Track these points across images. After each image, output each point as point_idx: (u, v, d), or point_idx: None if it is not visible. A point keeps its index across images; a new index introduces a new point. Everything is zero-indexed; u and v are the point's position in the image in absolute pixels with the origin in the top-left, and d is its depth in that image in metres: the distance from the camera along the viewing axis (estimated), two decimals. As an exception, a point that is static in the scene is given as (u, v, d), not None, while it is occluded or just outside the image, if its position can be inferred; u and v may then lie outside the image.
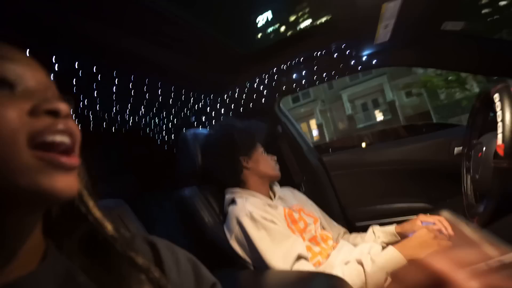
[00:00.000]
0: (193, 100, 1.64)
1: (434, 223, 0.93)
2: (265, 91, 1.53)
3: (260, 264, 0.86)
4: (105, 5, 0.80)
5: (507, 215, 0.61)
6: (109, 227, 0.34)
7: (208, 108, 1.68)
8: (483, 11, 9.59)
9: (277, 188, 1.18)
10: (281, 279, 0.78)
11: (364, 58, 1.30)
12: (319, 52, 1.29)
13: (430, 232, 0.83)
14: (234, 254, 0.93)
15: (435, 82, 12.51)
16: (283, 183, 1.25)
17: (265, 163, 1.11)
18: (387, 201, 1.36)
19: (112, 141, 1.88)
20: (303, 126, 18.93)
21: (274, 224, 0.90)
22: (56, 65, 0.94)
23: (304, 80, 1.45)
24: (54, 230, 0.33)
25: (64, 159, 0.27)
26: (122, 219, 0.69)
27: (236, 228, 0.93)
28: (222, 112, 1.69)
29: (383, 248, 0.90)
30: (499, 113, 0.66)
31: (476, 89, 11.26)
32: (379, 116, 17.41)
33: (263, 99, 1.55)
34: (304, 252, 0.86)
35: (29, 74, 0.30)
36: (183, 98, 1.58)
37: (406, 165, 1.35)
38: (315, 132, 18.77)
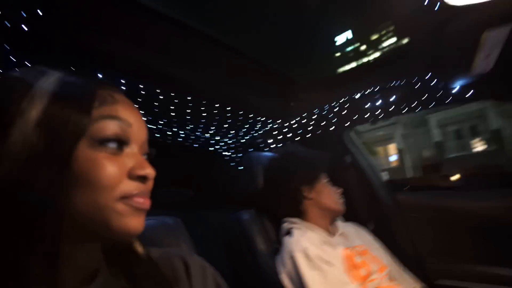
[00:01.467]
0: (261, 123, 1.69)
1: None
2: (335, 119, 1.47)
3: None
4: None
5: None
6: (139, 249, 0.38)
7: (276, 132, 1.70)
8: None
9: (339, 223, 1.10)
10: None
11: (455, 90, 1.12)
12: (397, 82, 1.18)
13: None
14: (283, 288, 0.88)
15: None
16: (348, 219, 1.16)
17: (329, 195, 1.04)
18: (481, 262, 1.10)
19: (179, 154, 2.07)
20: (380, 151, 17.40)
21: (330, 266, 0.83)
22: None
23: (378, 111, 1.34)
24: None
25: (142, 203, 0.33)
26: (176, 236, 0.74)
27: (289, 263, 0.88)
28: (289, 136, 1.69)
29: None
30: None
31: None
32: (479, 147, 14.70)
33: (332, 127, 1.49)
34: None
35: (138, 134, 0.36)
36: (252, 120, 1.65)
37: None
38: (393, 158, 17.02)
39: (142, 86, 1.13)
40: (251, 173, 1.16)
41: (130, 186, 0.33)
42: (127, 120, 0.34)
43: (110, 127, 0.32)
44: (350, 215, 1.20)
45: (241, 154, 2.17)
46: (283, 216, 1.05)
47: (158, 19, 0.88)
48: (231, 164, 2.35)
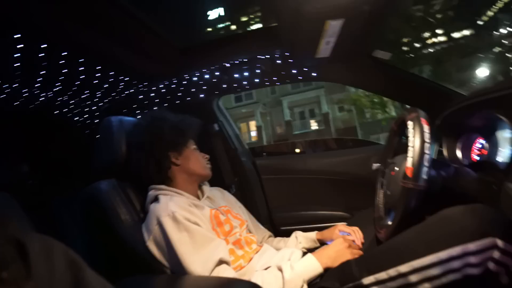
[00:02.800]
0: (124, 85, 1.47)
1: (349, 234, 1.01)
2: (205, 86, 1.46)
3: (178, 268, 0.80)
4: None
5: (406, 229, 0.68)
6: None
7: (141, 96, 1.53)
8: (403, 48, 11.34)
9: (206, 187, 1.13)
10: (198, 286, 0.74)
11: (305, 69, 1.35)
12: (263, 56, 1.29)
13: (345, 241, 0.89)
14: (151, 257, 0.85)
15: (363, 102, 14.11)
16: (213, 183, 1.21)
17: (196, 161, 1.04)
18: (311, 208, 1.43)
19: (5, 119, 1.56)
20: (243, 126, 19.20)
21: (198, 226, 0.85)
22: None
23: (245, 82, 1.43)
24: None
25: None
26: (3, 215, 0.56)
27: (156, 229, 0.85)
28: (156, 102, 1.56)
29: (304, 253, 0.94)
30: (410, 138, 0.75)
31: (393, 113, 13.05)
32: (314, 126, 18.80)
33: (202, 94, 1.48)
34: (226, 256, 0.84)
35: None
36: (112, 81, 1.41)
37: (332, 176, 1.45)
38: (253, 133, 19.23)
39: None
40: (111, 140, 1.02)
41: None
42: None
43: None
44: (215, 180, 1.26)
45: (98, 120, 1.84)
46: (149, 184, 0.99)
47: None
48: (86, 131, 1.96)
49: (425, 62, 11.30)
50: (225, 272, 0.80)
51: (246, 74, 1.41)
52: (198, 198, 1.05)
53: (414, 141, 0.73)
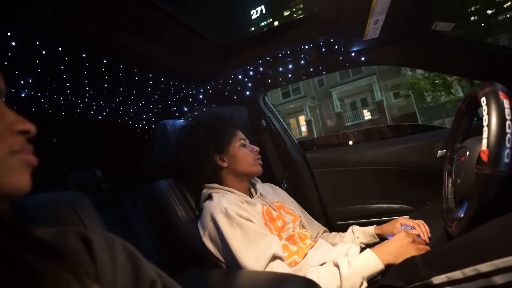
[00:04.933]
0: (174, 89, 1.57)
1: (413, 228, 0.92)
2: (250, 83, 1.47)
3: (233, 263, 0.82)
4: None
5: (485, 222, 0.59)
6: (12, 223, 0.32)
7: (190, 99, 1.61)
8: (472, 18, 9.85)
9: (258, 185, 1.14)
10: (252, 280, 0.75)
11: (353, 55, 1.26)
12: (306, 46, 1.24)
13: (409, 236, 0.81)
14: (207, 252, 0.88)
15: (422, 85, 12.78)
16: (264, 179, 1.21)
17: (243, 159, 1.02)
18: (368, 202, 1.34)
19: (81, 129, 1.79)
20: (292, 122, 18.98)
21: (250, 222, 0.86)
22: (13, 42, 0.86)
23: (290, 74, 1.40)
24: None
25: (32, 158, 0.31)
26: (77, 213, 0.63)
27: (210, 225, 0.88)
28: (205, 103, 1.62)
29: (362, 249, 0.88)
30: (485, 117, 0.64)
31: (461, 94, 11.57)
32: (367, 115, 17.66)
33: (248, 91, 1.50)
34: (280, 252, 0.83)
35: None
36: (164, 87, 1.51)
37: (390, 166, 1.33)
38: (303, 128, 18.88)
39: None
40: (165, 142, 1.10)
41: (16, 141, 0.30)
42: None
43: None
44: (266, 176, 1.26)
45: (154, 125, 2.00)
46: (201, 183, 1.03)
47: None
48: (145, 136, 2.15)
49: (501, 31, 9.67)
50: (279, 267, 0.79)
51: (290, 66, 1.38)
52: (251, 195, 1.05)
53: (490, 119, 0.62)
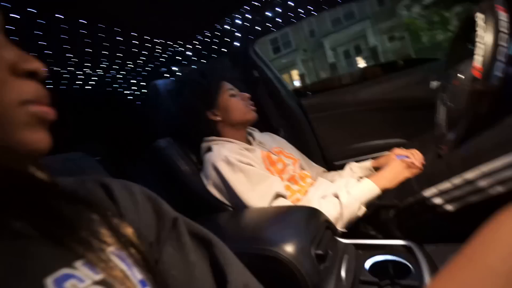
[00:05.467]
0: (161, 48, 1.50)
1: (407, 156, 0.95)
2: (238, 34, 1.41)
3: (239, 206, 0.87)
4: None
5: (474, 136, 0.61)
6: (40, 174, 0.30)
7: (178, 56, 1.56)
8: None
9: (256, 133, 1.16)
10: (259, 215, 0.80)
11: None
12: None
13: (403, 162, 0.85)
14: (213, 200, 0.93)
15: (418, 24, 12.26)
16: (262, 128, 1.23)
17: (235, 108, 1.02)
18: (365, 139, 1.37)
19: (69, 100, 1.75)
20: (285, 78, 18.51)
21: (251, 166, 0.89)
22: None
23: (279, 19, 1.33)
24: None
25: (48, 111, 0.27)
26: (85, 170, 0.65)
27: (213, 174, 0.91)
28: (194, 60, 1.57)
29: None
30: (480, 33, 0.62)
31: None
32: (361, 63, 17.22)
33: (237, 42, 1.44)
34: (283, 190, 0.87)
35: None
36: (150, 46, 1.45)
37: (384, 104, 1.34)
38: (297, 83, 18.54)
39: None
40: (159, 102, 1.10)
41: (24, 87, 0.25)
42: None
43: None
44: (263, 125, 1.27)
45: (145, 90, 1.96)
46: (200, 138, 1.04)
47: None
48: (137, 102, 2.12)
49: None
50: (283, 203, 0.84)
51: (278, 10, 1.31)
52: (249, 143, 1.08)
53: (485, 35, 0.61)
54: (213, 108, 1.01)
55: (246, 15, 1.34)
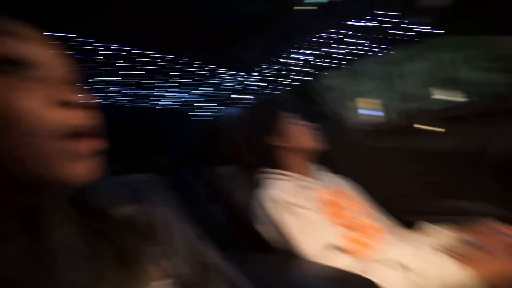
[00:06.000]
0: (221, 78, 1.58)
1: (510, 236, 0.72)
2: (303, 68, 1.39)
3: (288, 249, 0.80)
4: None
5: None
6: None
7: (242, 86, 1.61)
8: None
9: (318, 170, 1.10)
10: (313, 272, 0.72)
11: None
12: (362, 22, 1.08)
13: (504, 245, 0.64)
14: (262, 237, 0.88)
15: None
16: (324, 166, 1.15)
17: (298, 135, 0.99)
18: (446, 196, 1.13)
19: (143, 119, 1.93)
20: (355, 105, 17.75)
21: (304, 209, 0.83)
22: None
23: (345, 56, 1.26)
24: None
25: (83, 148, 0.27)
26: (150, 193, 0.69)
27: (260, 213, 0.89)
28: (254, 90, 1.61)
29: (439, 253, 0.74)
30: None
31: None
32: (449, 97, 15.32)
33: (301, 76, 1.42)
34: (336, 240, 0.77)
35: (46, 56, 0.29)
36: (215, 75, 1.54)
37: (478, 156, 1.07)
38: (369, 112, 17.52)
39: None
40: (221, 131, 1.16)
41: (56, 116, 0.26)
42: (23, 36, 0.28)
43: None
44: (325, 164, 1.18)
45: (209, 112, 2.08)
46: (258, 168, 1.02)
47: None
48: (206, 124, 2.24)
49: None
50: (339, 259, 0.75)
51: (344, 47, 1.24)
52: (308, 176, 1.00)
53: None
54: (275, 134, 0.99)
55: (311, 50, 1.31)
